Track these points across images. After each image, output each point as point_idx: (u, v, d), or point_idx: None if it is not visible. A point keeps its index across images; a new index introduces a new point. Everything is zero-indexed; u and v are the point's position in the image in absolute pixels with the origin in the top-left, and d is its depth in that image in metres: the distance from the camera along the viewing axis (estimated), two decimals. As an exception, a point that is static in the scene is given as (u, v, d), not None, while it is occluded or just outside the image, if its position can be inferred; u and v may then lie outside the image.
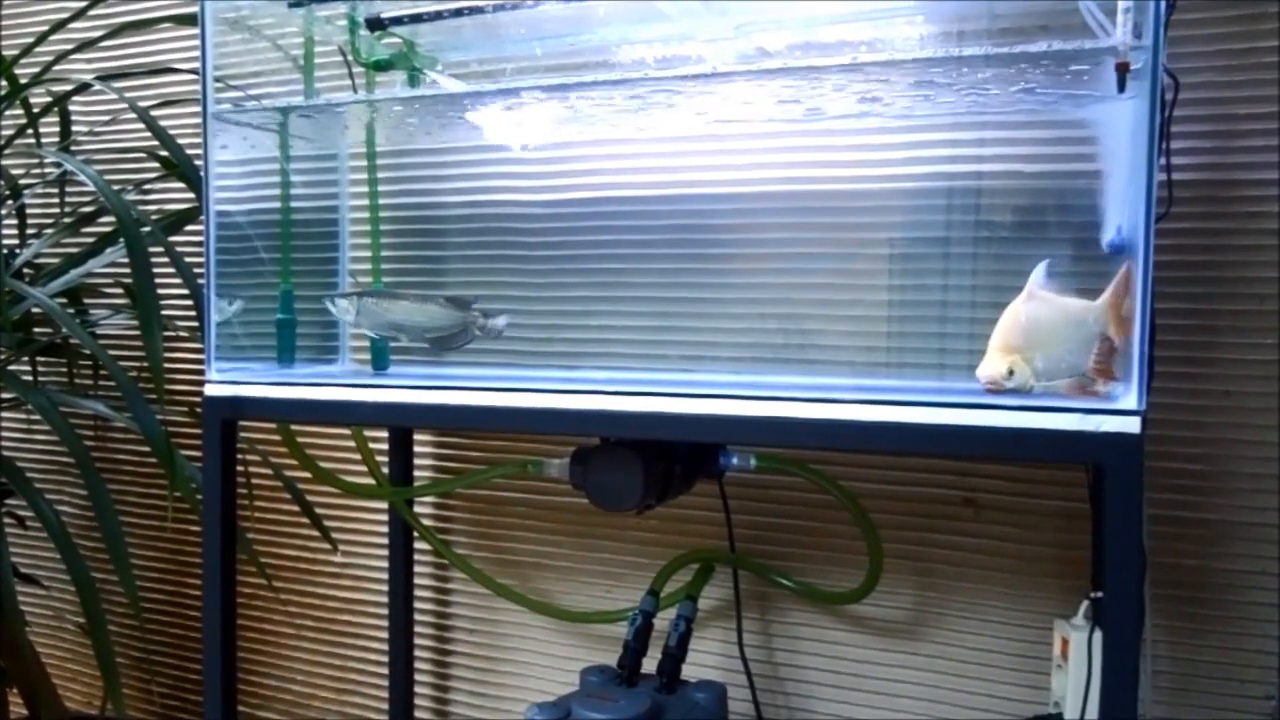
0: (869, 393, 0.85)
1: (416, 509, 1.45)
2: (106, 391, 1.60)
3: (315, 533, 1.47)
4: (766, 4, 1.01)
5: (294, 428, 1.36)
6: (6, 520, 1.51)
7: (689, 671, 1.17)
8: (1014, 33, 1.01)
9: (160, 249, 1.28)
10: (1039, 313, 0.83)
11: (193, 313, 1.38)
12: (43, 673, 1.42)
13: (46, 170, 1.65)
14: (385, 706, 1.48)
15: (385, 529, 1.43)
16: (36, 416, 1.38)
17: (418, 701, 1.47)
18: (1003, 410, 0.80)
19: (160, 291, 1.28)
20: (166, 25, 1.51)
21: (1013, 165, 1.08)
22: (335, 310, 1.14)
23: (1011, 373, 0.81)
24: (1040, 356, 0.81)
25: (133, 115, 1.38)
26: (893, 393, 0.85)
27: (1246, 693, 1.09)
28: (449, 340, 1.13)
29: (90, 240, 1.49)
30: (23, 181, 1.60)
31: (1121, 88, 0.79)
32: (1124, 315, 0.82)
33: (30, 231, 1.60)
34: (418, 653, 1.47)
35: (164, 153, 1.39)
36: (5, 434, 1.71)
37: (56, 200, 1.66)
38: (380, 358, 1.25)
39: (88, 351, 1.46)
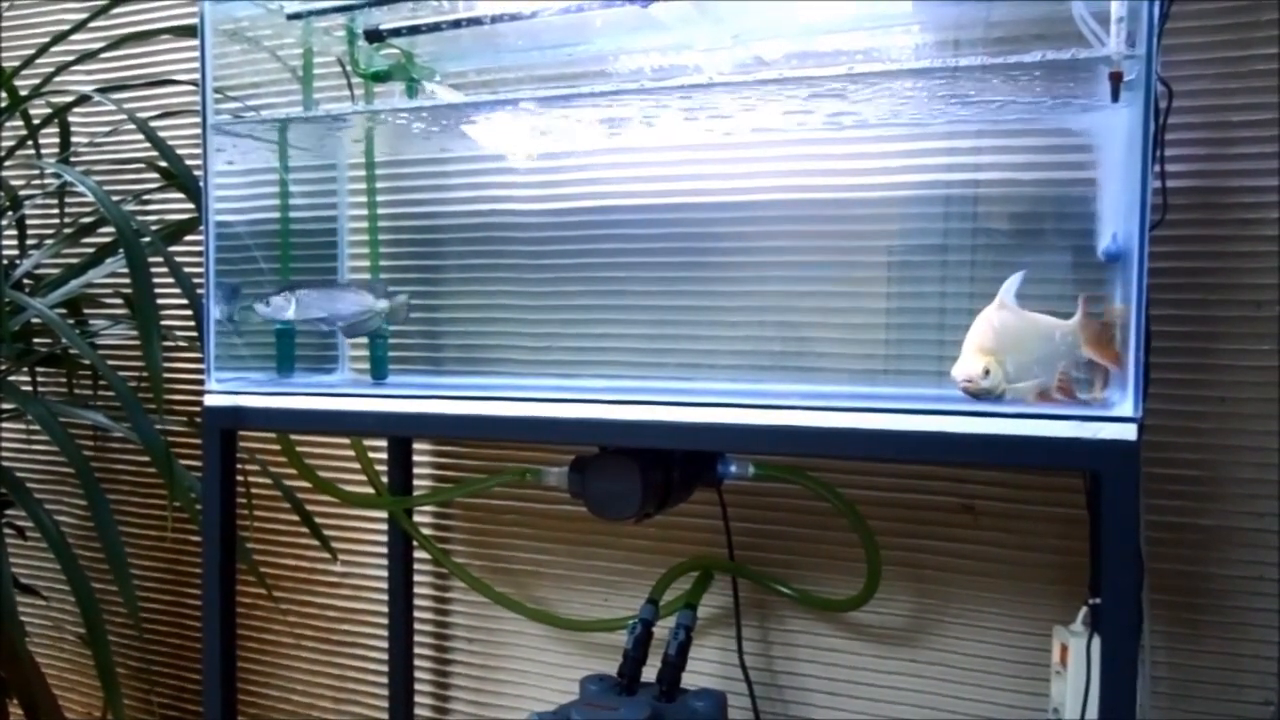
0: (867, 400, 0.85)
1: (416, 518, 1.45)
2: (106, 402, 1.60)
3: (315, 542, 1.47)
4: (763, 13, 1.02)
5: (293, 437, 1.36)
6: (6, 530, 1.51)
7: (689, 680, 1.17)
8: (1009, 42, 1.01)
9: (160, 259, 1.28)
10: (1009, 321, 0.84)
11: (192, 323, 1.38)
12: (42, 683, 1.42)
13: (46, 181, 1.66)
14: (385, 716, 1.47)
15: (384, 538, 1.43)
16: (36, 427, 1.38)
17: (417, 711, 1.47)
18: (1000, 418, 0.80)
19: (160, 302, 1.28)
20: (166, 37, 1.52)
21: (1009, 174, 1.09)
22: (270, 310, 1.10)
23: (988, 372, 0.81)
24: (1010, 361, 0.82)
25: (132, 126, 1.38)
26: (891, 400, 0.85)
27: (1244, 698, 1.09)
28: (359, 326, 1.14)
29: (90, 251, 1.49)
30: (23, 193, 1.61)
31: (1115, 97, 0.80)
32: (1101, 336, 0.84)
33: (30, 242, 1.61)
34: (417, 662, 1.47)
35: (163, 163, 1.40)
36: (5, 444, 1.71)
37: (56, 211, 1.67)
38: (379, 367, 1.25)
39: (87, 362, 1.46)
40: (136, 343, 1.53)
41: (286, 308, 1.10)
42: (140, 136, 1.40)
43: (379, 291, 1.15)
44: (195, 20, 1.10)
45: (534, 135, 1.20)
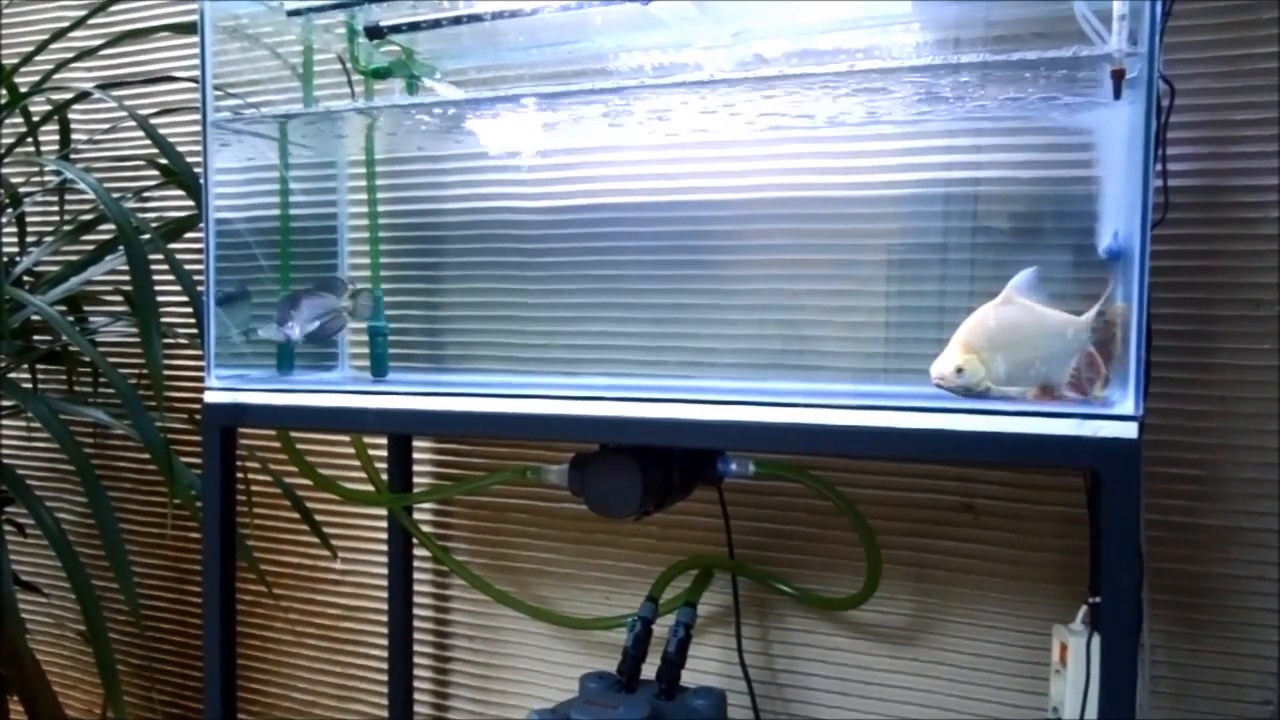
0: (867, 398, 0.85)
1: (416, 516, 1.45)
2: (106, 399, 1.60)
3: (315, 540, 1.47)
4: (764, 11, 1.02)
5: (293, 435, 1.36)
6: (7, 528, 1.51)
7: (688, 678, 1.17)
8: (1010, 40, 1.01)
9: (160, 256, 1.28)
10: (1012, 318, 0.83)
11: (192, 320, 1.38)
12: (43, 680, 1.42)
13: (46, 178, 1.66)
14: (385, 713, 1.47)
15: (385, 536, 1.43)
16: (37, 424, 1.38)
17: (417, 708, 1.47)
18: (1000, 416, 0.80)
19: (160, 299, 1.28)
20: (165, 34, 1.52)
21: (1010, 171, 1.08)
22: (280, 333, 1.10)
23: (960, 371, 0.81)
24: (1002, 360, 0.81)
25: (132, 123, 1.38)
26: (891, 398, 0.85)
27: (1244, 697, 1.09)
28: (329, 326, 1.14)
29: (90, 248, 1.49)
30: (23, 190, 1.60)
31: (1117, 94, 0.80)
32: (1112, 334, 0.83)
33: (30, 239, 1.61)
34: (417, 659, 1.47)
35: (163, 160, 1.39)
36: (5, 441, 1.71)
37: (56, 208, 1.67)
38: (379, 364, 1.25)
39: (87, 359, 1.46)
40: (137, 340, 1.52)
41: (295, 327, 1.11)
42: (140, 133, 1.40)
43: (340, 289, 1.14)
44: (195, 17, 1.10)
45: (535, 133, 1.20)
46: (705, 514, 1.29)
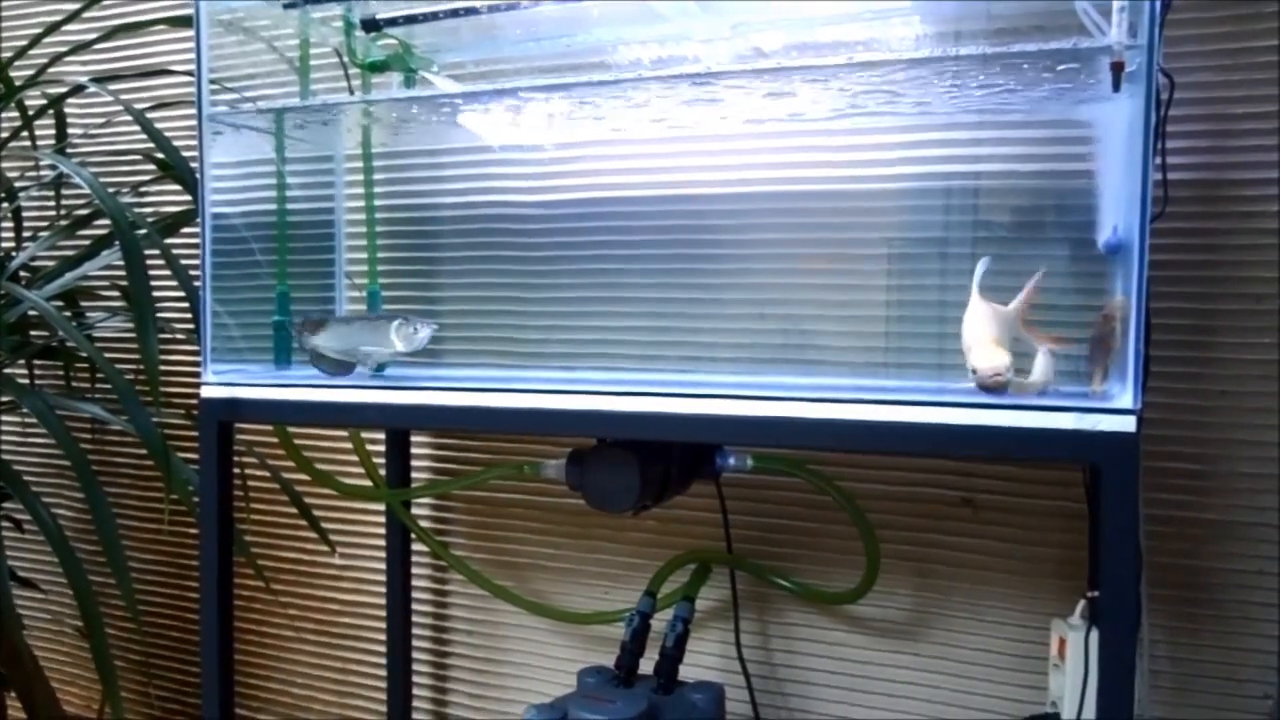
0: (866, 393, 0.85)
1: (414, 510, 1.45)
2: (103, 394, 1.59)
3: (313, 535, 1.46)
4: (763, 4, 1.01)
5: (291, 429, 1.36)
6: (4, 524, 1.51)
7: (686, 672, 1.17)
8: (1010, 33, 1.01)
9: (156, 251, 1.28)
10: (990, 313, 0.87)
11: (189, 315, 1.38)
12: (41, 677, 1.41)
13: (42, 173, 1.65)
14: (384, 708, 1.47)
15: (383, 531, 1.43)
16: (33, 420, 1.38)
17: (416, 703, 1.47)
18: (999, 410, 0.80)
19: (156, 294, 1.28)
20: (161, 27, 1.51)
21: (1009, 165, 1.08)
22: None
23: (1009, 367, 0.82)
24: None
25: (128, 117, 1.38)
26: (890, 393, 0.85)
27: (1244, 692, 1.09)
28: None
29: (86, 243, 1.49)
30: (18, 184, 1.60)
31: (1116, 87, 0.80)
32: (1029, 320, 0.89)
33: (26, 234, 1.60)
34: (416, 654, 1.47)
35: (159, 155, 1.39)
36: (2, 437, 1.71)
37: (52, 203, 1.66)
38: (377, 359, 1.25)
39: (84, 354, 1.46)
40: (133, 335, 1.52)
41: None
42: (136, 127, 1.39)
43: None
44: (190, 10, 1.10)
45: (532, 127, 1.19)
46: (703, 508, 1.28)
